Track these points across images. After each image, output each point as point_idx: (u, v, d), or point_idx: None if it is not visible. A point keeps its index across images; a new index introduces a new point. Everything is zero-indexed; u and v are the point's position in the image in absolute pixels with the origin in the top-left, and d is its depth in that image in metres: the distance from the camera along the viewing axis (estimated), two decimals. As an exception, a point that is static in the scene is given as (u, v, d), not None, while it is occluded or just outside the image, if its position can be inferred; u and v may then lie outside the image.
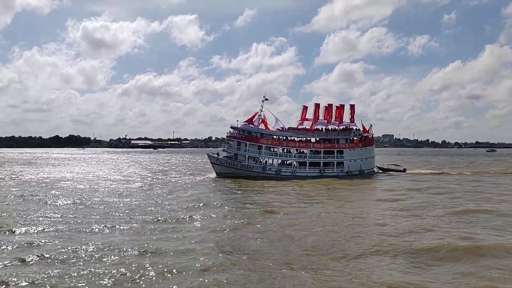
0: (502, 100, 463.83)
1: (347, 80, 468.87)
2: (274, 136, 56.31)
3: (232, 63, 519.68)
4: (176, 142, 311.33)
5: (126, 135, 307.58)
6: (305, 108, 61.06)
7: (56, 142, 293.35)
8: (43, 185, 41.08)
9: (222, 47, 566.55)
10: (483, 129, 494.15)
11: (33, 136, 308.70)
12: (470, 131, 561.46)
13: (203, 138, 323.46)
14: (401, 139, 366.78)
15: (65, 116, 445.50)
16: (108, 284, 12.44)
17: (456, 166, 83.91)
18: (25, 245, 16.78)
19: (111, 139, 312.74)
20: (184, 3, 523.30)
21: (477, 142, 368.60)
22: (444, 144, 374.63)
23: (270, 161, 55.79)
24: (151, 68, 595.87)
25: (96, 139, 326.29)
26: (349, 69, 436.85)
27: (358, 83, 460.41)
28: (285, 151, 55.98)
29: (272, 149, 55.46)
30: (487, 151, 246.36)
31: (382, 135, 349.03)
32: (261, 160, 54.98)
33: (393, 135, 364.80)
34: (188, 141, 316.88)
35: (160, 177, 53.42)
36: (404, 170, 65.16)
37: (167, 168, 74.78)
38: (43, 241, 17.33)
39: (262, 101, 57.12)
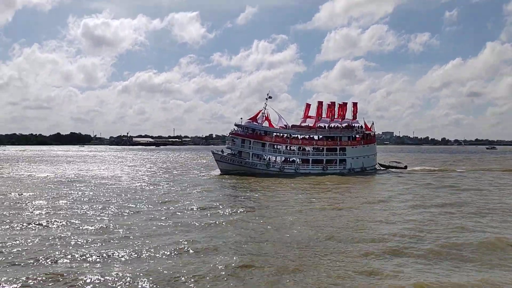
0: (502, 98, 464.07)
1: (347, 78, 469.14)
2: (278, 134, 56.78)
3: (232, 61, 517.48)
4: (177, 140, 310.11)
5: (128, 133, 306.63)
6: (308, 106, 61.54)
7: (57, 139, 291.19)
8: (87, 182, 42.05)
9: (223, 44, 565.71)
10: (482, 126, 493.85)
11: (33, 133, 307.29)
12: (469, 129, 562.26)
13: (203, 136, 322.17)
14: (401, 136, 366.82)
15: (65, 113, 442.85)
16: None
17: (457, 163, 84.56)
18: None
19: (111, 137, 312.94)
20: (185, 0, 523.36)
21: (476, 140, 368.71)
22: (444, 142, 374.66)
23: (273, 158, 55.99)
24: (152, 66, 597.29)
25: (97, 136, 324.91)
26: (350, 66, 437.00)
27: (358, 80, 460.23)
28: (289, 149, 56.50)
29: (275, 146, 55.97)
30: (487, 148, 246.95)
31: (382, 132, 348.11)
32: (265, 157, 55.14)
33: (393, 132, 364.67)
34: (189, 139, 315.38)
35: (176, 174, 54.16)
36: (405, 167, 65.44)
37: (177, 165, 75.42)
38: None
39: (266, 99, 57.29)
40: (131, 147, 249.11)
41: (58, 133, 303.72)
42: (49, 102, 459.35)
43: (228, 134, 57.94)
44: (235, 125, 56.33)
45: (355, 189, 39.96)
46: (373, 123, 62.23)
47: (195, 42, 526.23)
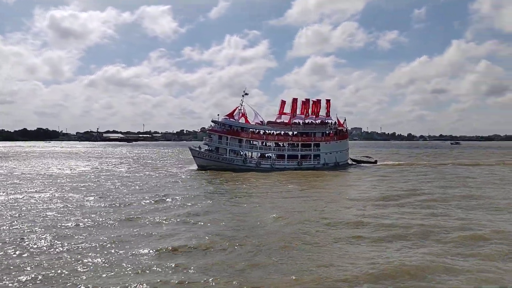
0: (464, 95, 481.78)
1: (318, 74, 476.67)
2: (254, 130, 57.31)
3: (204, 55, 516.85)
4: (148, 136, 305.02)
5: (97, 128, 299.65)
6: (283, 103, 61.94)
7: (23, 135, 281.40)
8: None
9: (195, 39, 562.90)
10: (446, 122, 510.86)
11: None
12: (433, 124, 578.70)
13: (174, 131, 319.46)
14: (369, 132, 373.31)
15: (30, 108, 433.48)
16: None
17: (423, 158, 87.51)
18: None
19: (77, 132, 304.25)
20: None
21: (440, 135, 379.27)
22: (410, 137, 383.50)
23: (250, 154, 56.77)
24: (120, 59, 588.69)
25: (63, 132, 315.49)
26: (320, 62, 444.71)
27: (328, 76, 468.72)
28: (265, 145, 57.11)
29: (252, 142, 56.48)
30: (452, 143, 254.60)
31: (351, 128, 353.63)
32: (242, 153, 55.90)
33: (361, 128, 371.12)
34: (160, 134, 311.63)
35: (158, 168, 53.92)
36: (376, 162, 67.48)
37: (154, 161, 74.86)
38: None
39: (242, 95, 57.77)
40: (101, 143, 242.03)
41: (25, 129, 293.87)
42: (13, 96, 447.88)
43: (199, 130, 59.56)
44: (212, 121, 56.40)
45: (328, 183, 41.18)
46: (345, 120, 63.37)
47: (167, 36, 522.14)
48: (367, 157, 72.38)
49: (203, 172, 50.26)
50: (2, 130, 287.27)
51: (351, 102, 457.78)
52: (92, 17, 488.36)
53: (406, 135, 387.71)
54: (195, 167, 54.94)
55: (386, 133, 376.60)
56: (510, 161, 71.96)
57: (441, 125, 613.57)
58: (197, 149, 55.73)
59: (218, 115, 57.56)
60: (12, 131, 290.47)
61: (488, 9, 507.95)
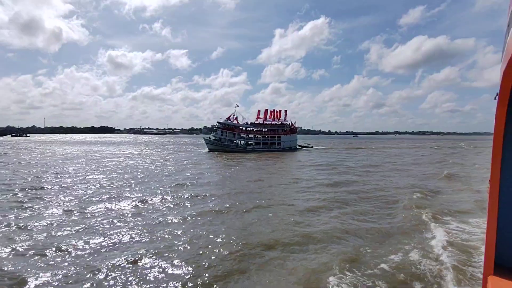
0: (360, 107, 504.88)
1: (276, 93, 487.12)
2: (242, 128, 58.54)
3: (206, 81, 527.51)
4: (171, 131, 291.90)
5: (140, 126, 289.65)
6: (258, 112, 63.21)
7: (92, 130, 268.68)
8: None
9: (201, 71, 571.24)
10: (350, 123, 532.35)
11: (76, 126, 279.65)
12: (342, 124, 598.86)
13: (187, 128, 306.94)
14: (306, 129, 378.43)
15: (92, 112, 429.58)
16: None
17: (338, 145, 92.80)
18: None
19: (125, 128, 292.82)
20: (179, 42, 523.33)
21: (347, 131, 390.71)
22: (330, 132, 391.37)
23: (240, 142, 57.54)
24: (153, 82, 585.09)
25: (115, 128, 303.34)
26: (278, 87, 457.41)
27: (282, 95, 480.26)
28: (248, 137, 58.18)
29: (241, 135, 57.60)
30: (353, 136, 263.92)
31: (297, 126, 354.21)
32: (235, 141, 56.97)
33: (301, 126, 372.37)
34: (178, 130, 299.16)
35: (185, 149, 55.87)
36: (312, 147, 71.57)
37: (182, 145, 75.92)
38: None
39: (235, 107, 59.84)
40: (143, 135, 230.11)
41: (93, 126, 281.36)
42: (81, 105, 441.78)
43: (203, 127, 59.32)
44: (218, 122, 57.11)
45: (285, 157, 44.34)
46: (295, 122, 65.99)
47: (183, 69, 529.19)
48: (307, 144, 76.19)
49: (212, 153, 52.07)
50: (74, 127, 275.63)
51: (295, 111, 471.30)
52: (136, 56, 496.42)
53: (327, 131, 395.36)
54: (206, 150, 56.32)
55: (316, 130, 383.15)
56: (382, 146, 78.54)
57: (347, 125, 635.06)
58: (208, 138, 57.52)
59: (221, 118, 58.26)
60: (82, 127, 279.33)
61: (375, 58, 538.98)
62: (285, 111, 63.97)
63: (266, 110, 63.03)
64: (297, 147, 66.00)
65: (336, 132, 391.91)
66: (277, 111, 63.35)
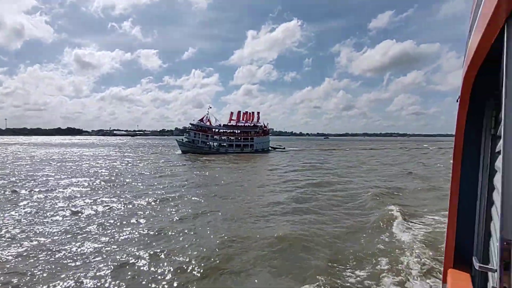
0: (331, 109, 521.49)
1: (247, 95, 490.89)
2: (215, 130, 58.25)
3: (177, 82, 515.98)
4: (142, 132, 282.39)
5: (110, 127, 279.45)
6: (231, 113, 63.73)
7: (58, 132, 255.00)
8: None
9: (172, 71, 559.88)
10: (320, 125, 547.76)
11: (39, 128, 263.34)
12: (313, 126, 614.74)
13: (158, 130, 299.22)
14: (278, 131, 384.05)
15: (57, 113, 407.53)
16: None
17: (309, 146, 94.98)
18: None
19: (93, 130, 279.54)
20: (150, 41, 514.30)
21: (317, 133, 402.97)
22: (301, 134, 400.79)
23: (213, 143, 57.17)
24: (121, 83, 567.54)
25: (83, 130, 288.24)
26: (249, 88, 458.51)
27: (254, 96, 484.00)
28: (221, 138, 57.95)
29: (214, 137, 57.27)
30: (324, 138, 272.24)
31: (268, 128, 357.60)
32: (208, 143, 56.46)
33: (273, 128, 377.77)
34: (149, 132, 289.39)
35: (157, 151, 54.12)
36: (284, 148, 72.77)
37: (153, 148, 73.58)
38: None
39: (208, 109, 59.74)
40: (113, 137, 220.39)
41: (59, 127, 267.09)
42: (45, 105, 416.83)
43: (174, 129, 58.57)
44: (190, 124, 56.61)
45: (258, 158, 44.70)
46: (267, 124, 67.52)
47: (154, 69, 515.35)
48: (279, 145, 77.39)
49: (185, 154, 51.35)
50: (39, 128, 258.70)
51: (267, 112, 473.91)
52: (105, 55, 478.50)
53: (298, 133, 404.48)
54: (179, 151, 55.25)
55: (288, 131, 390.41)
56: (354, 147, 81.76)
57: (318, 127, 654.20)
58: (181, 140, 56.58)
59: (194, 119, 57.84)
60: (48, 129, 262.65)
61: (345, 62, 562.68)
62: (258, 113, 64.92)
63: (239, 112, 63.31)
64: (270, 148, 66.91)
65: (307, 134, 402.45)
66: (250, 113, 63.96)
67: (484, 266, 1.70)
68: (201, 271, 7.41)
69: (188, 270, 7.45)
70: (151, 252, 8.47)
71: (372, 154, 55.58)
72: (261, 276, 7.19)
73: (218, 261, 7.90)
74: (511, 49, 1.43)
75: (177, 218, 11.93)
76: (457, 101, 2.45)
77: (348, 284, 6.79)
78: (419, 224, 11.20)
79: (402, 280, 6.91)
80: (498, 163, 1.49)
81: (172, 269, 7.47)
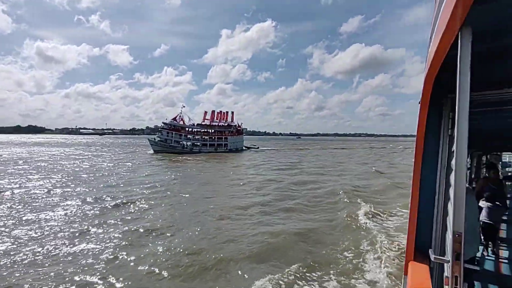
0: (303, 110, 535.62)
1: (221, 94, 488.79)
2: (189, 129, 57.24)
3: (148, 79, 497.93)
4: (111, 131, 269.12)
5: (76, 126, 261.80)
6: (205, 112, 62.94)
7: (17, 130, 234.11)
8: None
9: (143, 68, 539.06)
10: (293, 125, 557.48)
11: None
12: (286, 126, 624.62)
13: (128, 129, 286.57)
14: (252, 130, 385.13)
15: (16, 111, 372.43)
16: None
17: (282, 145, 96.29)
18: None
19: (56, 128, 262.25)
20: (121, 37, 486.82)
21: (290, 133, 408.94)
22: (274, 134, 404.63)
23: (186, 143, 56.26)
24: (89, 79, 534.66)
25: (46, 128, 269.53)
26: (223, 88, 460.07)
27: (228, 96, 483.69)
28: (195, 138, 57.11)
29: (187, 136, 56.30)
30: (297, 138, 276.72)
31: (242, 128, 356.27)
32: (181, 142, 55.45)
33: (247, 128, 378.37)
34: (118, 130, 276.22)
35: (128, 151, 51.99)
36: (258, 148, 73.18)
37: (123, 147, 70.54)
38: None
39: (181, 108, 58.50)
40: (79, 135, 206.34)
41: (18, 125, 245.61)
42: (2, 102, 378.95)
43: (145, 128, 57.10)
44: (163, 123, 55.14)
45: (232, 158, 44.74)
46: (241, 123, 67.72)
47: (124, 66, 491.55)
48: (253, 145, 77.74)
49: (157, 154, 49.92)
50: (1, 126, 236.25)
51: (241, 112, 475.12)
52: (70, 49, 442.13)
53: (271, 132, 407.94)
54: (151, 151, 53.66)
55: (261, 131, 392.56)
56: (326, 147, 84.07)
57: (291, 127, 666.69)
58: (153, 140, 54.96)
59: (166, 118, 56.58)
60: (6, 126, 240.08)
61: (317, 63, 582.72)
62: (232, 112, 64.97)
63: (213, 111, 62.82)
64: (244, 148, 66.96)
65: (280, 134, 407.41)
66: (224, 113, 63.74)
67: (439, 257, 1.81)
68: (172, 273, 7.37)
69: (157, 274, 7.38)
70: (112, 258, 8.27)
71: (343, 154, 57.59)
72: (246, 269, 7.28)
73: (189, 265, 7.89)
74: (464, 56, 1.62)
75: (150, 222, 11.69)
76: (419, 103, 2.68)
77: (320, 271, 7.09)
78: (387, 219, 11.88)
79: (367, 278, 7.09)
80: (453, 162, 1.69)
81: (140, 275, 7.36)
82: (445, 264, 1.72)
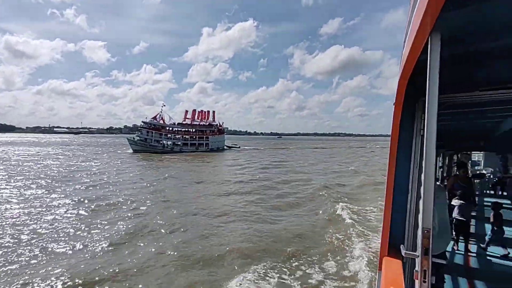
0: (284, 109, 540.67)
1: (202, 93, 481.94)
2: (169, 128, 56.29)
3: (127, 77, 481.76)
4: (87, 130, 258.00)
5: (49, 124, 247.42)
6: (186, 112, 62.10)
7: None
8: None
9: (121, 66, 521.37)
10: (274, 124, 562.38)
11: None
12: (267, 126, 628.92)
13: (105, 128, 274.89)
14: (233, 130, 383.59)
15: None
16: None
17: (263, 145, 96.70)
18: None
19: (27, 127, 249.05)
20: (97, 33, 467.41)
21: (271, 132, 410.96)
22: (255, 133, 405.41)
23: (166, 142, 55.31)
24: (63, 76, 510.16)
25: (16, 126, 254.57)
26: (204, 86, 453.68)
27: (209, 95, 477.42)
28: (176, 137, 56.23)
29: (168, 135, 55.39)
30: (277, 137, 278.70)
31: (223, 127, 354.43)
32: (162, 142, 54.47)
33: (228, 127, 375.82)
34: (95, 129, 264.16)
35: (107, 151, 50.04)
36: (239, 147, 73.11)
37: (102, 147, 67.86)
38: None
39: (162, 107, 57.32)
40: (53, 134, 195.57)
41: None
42: None
43: (123, 127, 55.45)
44: (143, 122, 53.74)
45: (214, 158, 44.57)
46: (222, 123, 67.20)
47: (101, 63, 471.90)
48: (234, 144, 77.60)
49: (136, 154, 48.56)
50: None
51: (222, 111, 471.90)
52: (43, 44, 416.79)
53: (253, 132, 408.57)
54: (130, 151, 52.00)
55: (242, 130, 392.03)
56: (306, 147, 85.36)
57: (271, 126, 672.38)
58: (132, 139, 53.46)
59: (146, 117, 54.98)
60: None
61: (298, 64, 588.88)
62: (213, 111, 64.54)
63: (194, 111, 62.15)
64: (225, 147, 66.65)
65: (261, 133, 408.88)
66: (205, 112, 63.28)
67: (409, 252, 1.89)
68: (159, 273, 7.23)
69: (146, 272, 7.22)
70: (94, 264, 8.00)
71: (323, 153, 58.69)
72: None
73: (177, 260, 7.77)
74: (433, 60, 1.68)
75: (137, 225, 11.39)
76: (394, 104, 2.76)
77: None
78: (364, 215, 12.22)
79: (342, 275, 7.19)
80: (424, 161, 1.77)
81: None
82: (416, 259, 1.80)
